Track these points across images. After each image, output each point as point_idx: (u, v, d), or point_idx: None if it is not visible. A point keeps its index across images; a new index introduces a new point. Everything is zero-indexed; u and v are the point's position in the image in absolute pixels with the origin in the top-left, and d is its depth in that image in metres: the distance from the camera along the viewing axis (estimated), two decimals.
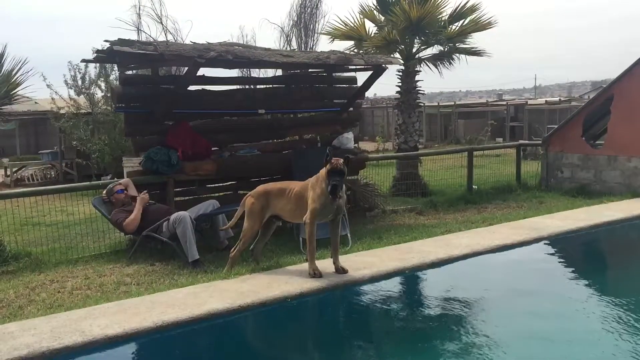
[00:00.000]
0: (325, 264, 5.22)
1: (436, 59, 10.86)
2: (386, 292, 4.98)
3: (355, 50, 10.58)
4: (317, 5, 17.98)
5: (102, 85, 15.72)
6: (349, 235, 6.52)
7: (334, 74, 8.35)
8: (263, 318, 4.50)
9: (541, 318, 4.36)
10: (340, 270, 5.08)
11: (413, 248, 5.98)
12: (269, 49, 7.31)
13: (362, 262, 5.42)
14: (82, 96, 15.77)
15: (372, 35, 10.67)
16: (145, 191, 6.32)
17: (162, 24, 16.18)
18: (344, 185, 5.05)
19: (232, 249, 5.51)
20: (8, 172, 16.52)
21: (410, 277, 5.33)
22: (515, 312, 4.51)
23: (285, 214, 5.34)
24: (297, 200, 5.17)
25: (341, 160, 4.93)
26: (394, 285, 5.16)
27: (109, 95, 14.53)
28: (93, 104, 15.64)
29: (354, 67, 7.91)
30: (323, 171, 4.95)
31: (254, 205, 5.33)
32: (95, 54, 6.55)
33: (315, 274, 4.96)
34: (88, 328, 3.95)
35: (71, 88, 15.71)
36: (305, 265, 5.20)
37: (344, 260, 5.37)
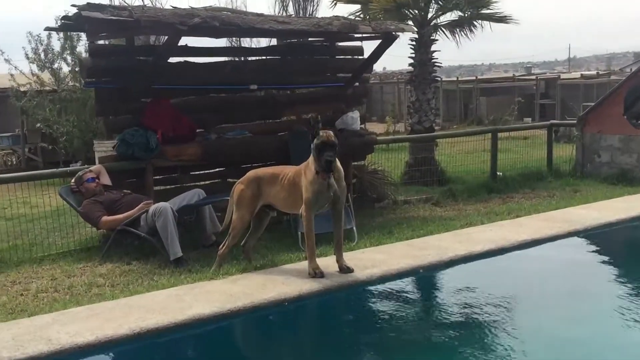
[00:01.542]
0: (327, 262, 5.22)
1: (455, 27, 10.79)
2: (397, 295, 4.99)
3: (361, 16, 10.51)
4: None
5: (69, 58, 15.66)
6: (354, 229, 6.52)
7: (336, 44, 8.30)
8: (256, 324, 4.50)
9: (576, 323, 4.37)
10: (345, 269, 5.08)
11: (428, 244, 5.98)
12: (262, 15, 7.26)
13: (369, 259, 5.42)
14: (46, 71, 15.72)
15: None
16: (151, 201, 6.27)
17: None
18: (340, 168, 5.02)
19: (221, 245, 5.51)
20: None
21: (426, 277, 5.33)
22: (547, 317, 4.50)
23: (278, 203, 5.33)
24: (290, 188, 5.16)
25: (331, 132, 4.91)
26: (406, 287, 5.17)
27: (77, 69, 14.47)
28: (59, 80, 15.59)
29: (360, 35, 7.85)
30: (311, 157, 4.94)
31: (243, 193, 5.33)
32: (61, 22, 6.50)
33: (316, 273, 4.96)
34: (55, 336, 3.95)
35: (33, 62, 15.66)
36: (304, 264, 5.19)
37: (349, 257, 5.36)
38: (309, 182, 4.94)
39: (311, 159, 4.98)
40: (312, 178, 4.92)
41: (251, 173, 5.46)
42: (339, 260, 5.13)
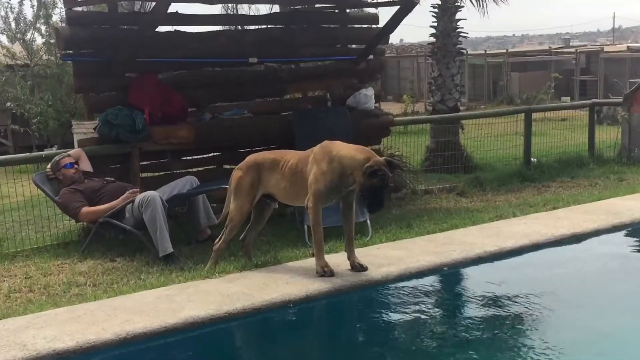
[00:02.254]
0: (338, 260, 5.22)
1: None
2: (417, 297, 4.98)
3: None
4: None
5: (43, 28, 15.69)
6: (368, 222, 6.52)
7: (348, 11, 8.27)
8: (257, 328, 4.51)
9: (625, 331, 4.34)
10: (358, 267, 5.09)
11: (453, 239, 5.97)
12: None
13: (385, 256, 5.42)
14: (17, 43, 15.76)
15: None
16: (137, 189, 6.28)
17: None
18: None
19: (217, 239, 5.53)
20: None
21: (449, 276, 5.32)
22: (590, 324, 4.49)
23: (278, 193, 5.34)
24: (292, 177, 5.17)
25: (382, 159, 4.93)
26: (427, 288, 5.16)
27: (52, 41, 14.49)
28: (31, 53, 15.64)
29: (375, 1, 7.82)
30: (340, 150, 4.93)
31: (241, 180, 5.34)
32: None
33: (325, 272, 4.97)
34: (30, 341, 3.97)
35: (2, 33, 15.73)
36: (311, 261, 5.20)
37: (363, 254, 5.35)
38: (323, 172, 4.93)
39: (327, 146, 4.99)
40: (331, 170, 4.91)
41: (250, 158, 5.47)
42: (351, 257, 5.14)
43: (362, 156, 4.86)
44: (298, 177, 5.12)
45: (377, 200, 4.91)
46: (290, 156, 5.29)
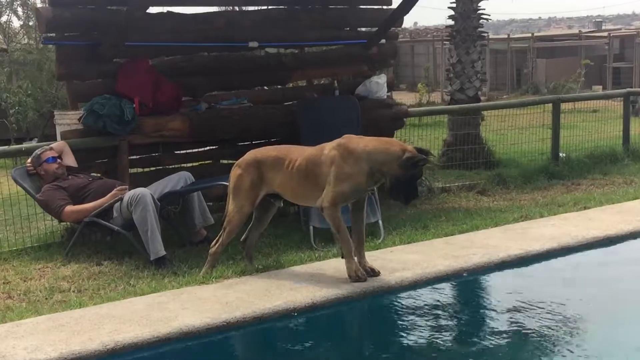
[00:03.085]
0: (339, 264, 5.23)
1: None
2: (435, 304, 4.98)
3: None
4: None
5: (20, 10, 15.74)
6: (380, 223, 6.53)
7: None
8: (258, 338, 4.52)
9: None
10: (369, 272, 5.11)
11: (474, 241, 5.98)
12: None
13: (399, 260, 5.43)
14: None
15: None
16: (126, 186, 6.29)
17: None
18: None
19: (213, 242, 5.54)
20: None
21: (470, 282, 5.33)
22: (624, 337, 4.47)
23: (287, 192, 5.36)
24: (300, 177, 5.19)
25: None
26: (446, 294, 5.17)
27: (30, 23, 14.55)
28: (8, 37, 15.67)
29: None
30: (371, 144, 4.99)
31: (241, 179, 5.35)
32: None
33: (360, 276, 5.01)
34: (10, 351, 3.98)
35: None
36: (317, 265, 5.25)
37: (374, 258, 5.37)
38: (348, 174, 4.97)
39: (346, 144, 5.02)
40: (356, 169, 4.95)
41: (250, 154, 5.48)
42: (361, 261, 5.16)
43: (395, 148, 4.95)
44: (309, 178, 5.15)
45: (412, 189, 5.05)
46: (296, 154, 5.29)
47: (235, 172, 5.42)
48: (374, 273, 5.11)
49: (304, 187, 5.20)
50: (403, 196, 5.13)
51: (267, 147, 5.83)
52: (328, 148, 5.12)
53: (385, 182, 5.01)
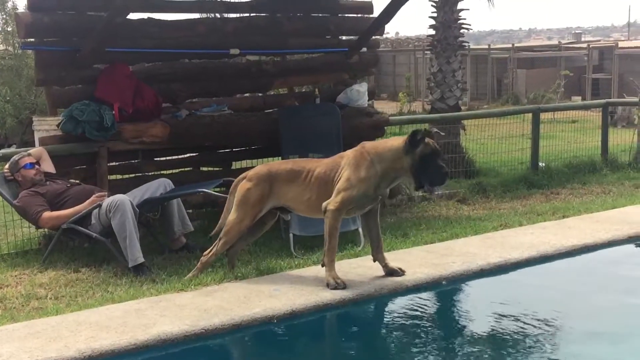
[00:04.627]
0: (317, 272, 5.24)
1: None
2: (413, 312, 5.00)
3: None
4: None
5: None
6: (360, 231, 6.54)
7: None
8: (237, 346, 4.52)
9: None
10: (397, 272, 5.28)
11: (453, 249, 6.00)
12: None
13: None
14: None
15: None
16: (105, 193, 6.27)
17: None
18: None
19: (207, 251, 5.53)
20: None
21: (449, 290, 5.34)
22: (602, 346, 4.50)
23: (299, 206, 5.39)
24: (320, 187, 5.22)
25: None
26: (424, 302, 5.17)
27: (9, 29, 14.45)
28: None
29: None
30: (392, 144, 5.08)
31: (250, 193, 5.33)
32: None
33: (339, 283, 5.04)
34: None
35: None
36: (297, 272, 5.24)
37: (354, 265, 5.41)
38: (361, 178, 5.04)
39: (362, 151, 5.12)
40: (373, 175, 5.04)
41: (262, 168, 5.51)
42: (383, 262, 5.32)
43: (398, 141, 5.09)
44: (327, 187, 5.20)
45: (436, 170, 5.02)
46: (314, 164, 5.35)
47: (244, 185, 5.39)
48: (398, 272, 5.28)
49: (320, 199, 5.21)
50: (429, 182, 5.07)
51: (279, 161, 5.87)
52: (345, 156, 5.25)
53: (409, 178, 5.09)
